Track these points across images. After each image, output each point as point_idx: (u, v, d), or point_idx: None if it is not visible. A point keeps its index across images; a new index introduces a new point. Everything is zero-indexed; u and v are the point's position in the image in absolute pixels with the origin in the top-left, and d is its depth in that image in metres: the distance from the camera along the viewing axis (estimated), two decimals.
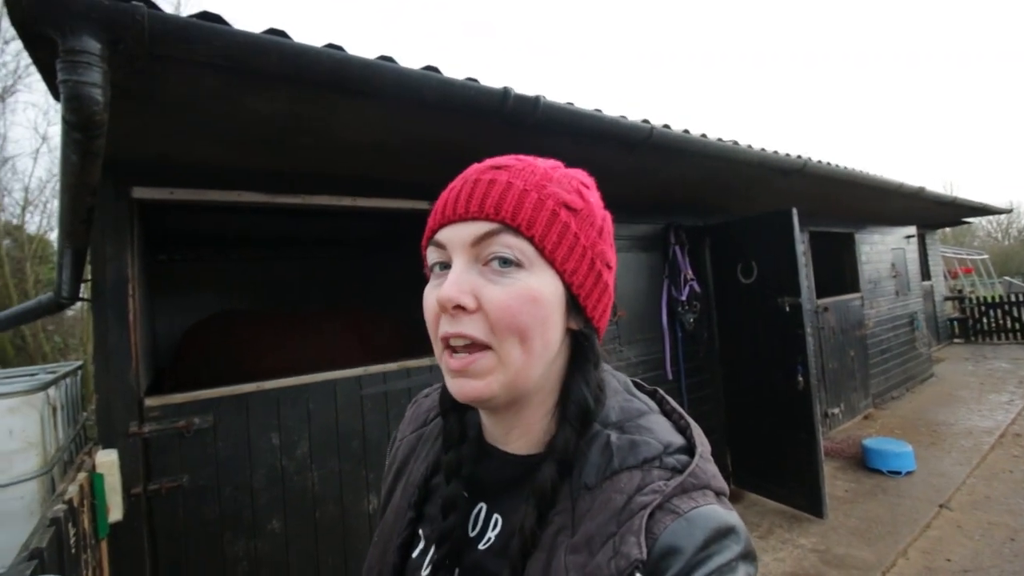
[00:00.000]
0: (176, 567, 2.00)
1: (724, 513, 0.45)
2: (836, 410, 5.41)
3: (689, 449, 0.50)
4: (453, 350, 0.49)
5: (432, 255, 0.53)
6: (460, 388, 0.49)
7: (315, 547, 2.29)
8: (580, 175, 0.56)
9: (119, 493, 1.81)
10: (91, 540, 1.66)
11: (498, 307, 0.47)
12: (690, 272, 4.06)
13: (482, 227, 0.48)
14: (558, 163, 0.56)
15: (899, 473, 4.14)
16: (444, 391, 0.61)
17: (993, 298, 10.96)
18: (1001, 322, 10.55)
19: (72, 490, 1.54)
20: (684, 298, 4.01)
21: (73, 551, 1.40)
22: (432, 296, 0.50)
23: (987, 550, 3.04)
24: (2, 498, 1.84)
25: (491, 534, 0.54)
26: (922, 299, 7.87)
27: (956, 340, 10.80)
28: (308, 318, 3.86)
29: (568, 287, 0.51)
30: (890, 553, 3.04)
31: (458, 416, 0.60)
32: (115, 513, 1.79)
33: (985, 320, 10.71)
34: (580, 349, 0.54)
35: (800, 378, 3.52)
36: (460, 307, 0.47)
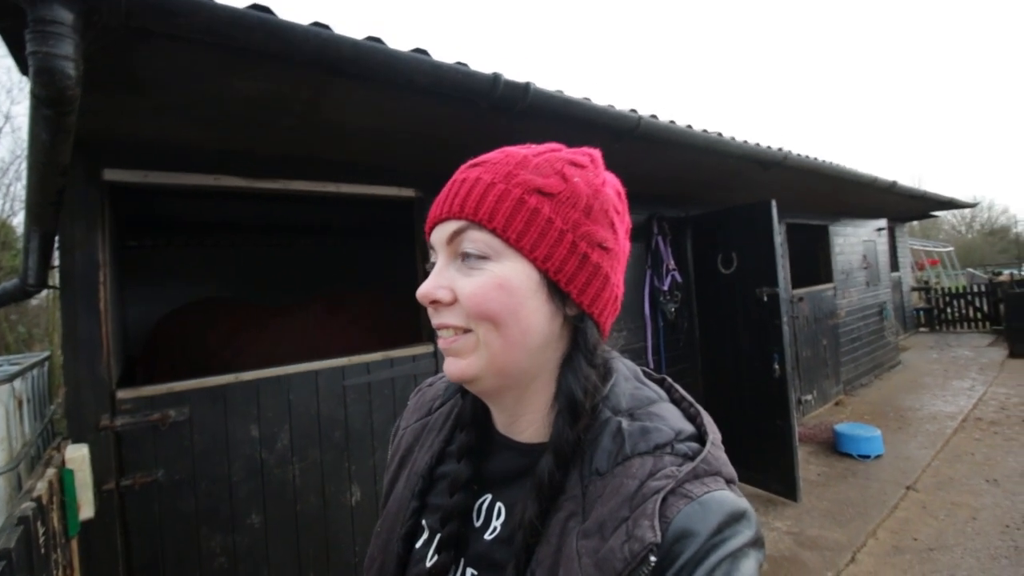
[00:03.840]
0: (151, 564, 1.93)
1: (736, 499, 0.45)
2: (809, 397, 5.57)
3: (699, 437, 0.51)
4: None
5: (431, 254, 0.56)
6: (448, 367, 0.53)
7: (296, 540, 2.25)
8: (569, 155, 0.54)
9: (90, 489, 1.74)
10: (61, 539, 1.59)
11: (467, 297, 0.49)
12: (672, 262, 4.10)
13: (452, 226, 0.51)
14: (552, 145, 0.55)
15: (868, 457, 4.29)
16: None
17: (957, 289, 11.41)
18: (964, 312, 11.01)
19: (41, 487, 1.47)
20: (666, 288, 4.05)
21: (43, 551, 1.34)
22: None
23: (951, 529, 3.17)
24: None
25: (496, 523, 0.54)
26: (891, 289, 8.13)
27: (922, 329, 11.22)
28: (289, 308, 3.78)
29: (544, 273, 0.50)
30: (860, 534, 3.15)
31: (473, 398, 0.60)
32: (86, 510, 1.72)
33: (949, 310, 11.15)
34: (574, 337, 0.54)
35: (776, 366, 3.60)
36: (436, 301, 0.51)
